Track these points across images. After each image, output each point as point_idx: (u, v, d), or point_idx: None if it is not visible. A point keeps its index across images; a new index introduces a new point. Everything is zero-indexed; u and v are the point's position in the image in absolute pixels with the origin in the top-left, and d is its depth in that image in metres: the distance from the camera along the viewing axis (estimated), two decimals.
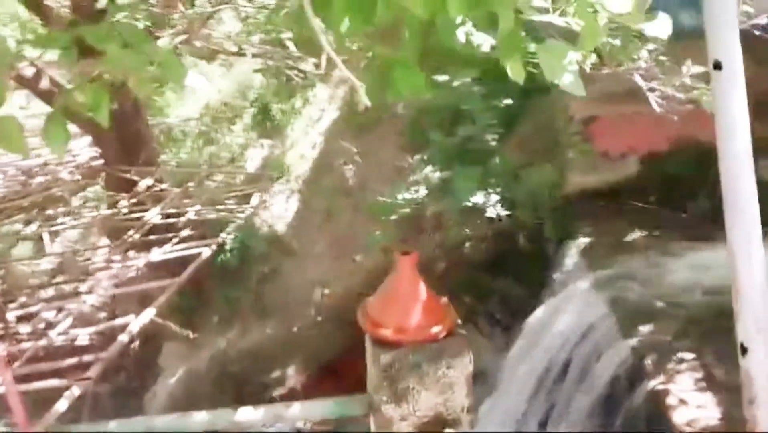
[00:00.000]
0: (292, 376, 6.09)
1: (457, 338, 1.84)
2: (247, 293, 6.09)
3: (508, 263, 5.52)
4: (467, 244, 5.80)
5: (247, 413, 1.85)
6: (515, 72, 1.26)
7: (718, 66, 1.63)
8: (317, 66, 4.09)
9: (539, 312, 4.36)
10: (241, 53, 4.65)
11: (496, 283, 5.55)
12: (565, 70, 1.17)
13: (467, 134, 5.50)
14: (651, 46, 2.84)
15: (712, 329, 3.64)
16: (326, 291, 6.30)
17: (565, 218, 5.32)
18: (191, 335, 4.13)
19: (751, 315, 1.67)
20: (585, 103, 5.50)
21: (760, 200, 4.73)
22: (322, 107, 7.17)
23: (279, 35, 4.42)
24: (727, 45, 1.60)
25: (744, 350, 1.69)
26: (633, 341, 3.68)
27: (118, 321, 2.71)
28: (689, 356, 3.44)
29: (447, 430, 1.70)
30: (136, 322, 2.53)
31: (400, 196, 5.28)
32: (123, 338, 2.42)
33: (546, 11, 1.24)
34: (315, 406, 1.98)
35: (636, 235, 4.83)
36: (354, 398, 1.89)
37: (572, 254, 4.87)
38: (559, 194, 5.46)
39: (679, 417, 3.07)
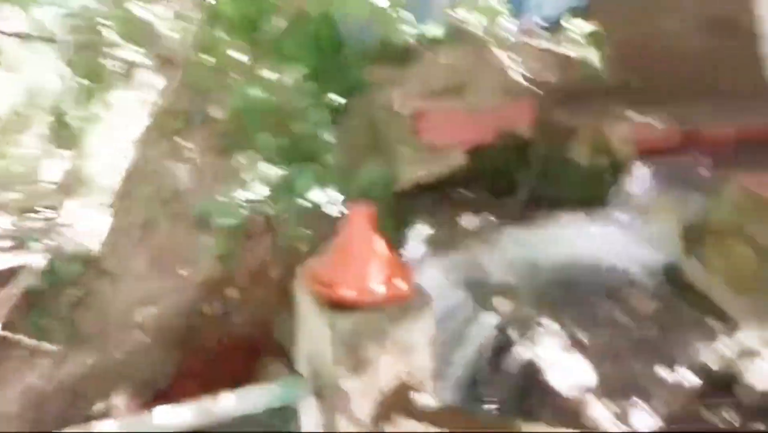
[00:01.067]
0: (120, 406, 5.48)
1: (421, 295, 1.71)
2: (60, 320, 5.38)
3: None
4: (304, 245, 5.66)
5: (164, 415, 1.56)
6: None
7: None
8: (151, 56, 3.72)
9: None
10: (47, 38, 4.08)
11: None
12: None
13: (299, 132, 5.37)
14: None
15: (562, 300, 3.91)
16: (150, 310, 5.78)
17: (400, 212, 5.39)
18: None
19: None
20: (410, 98, 5.66)
21: (575, 183, 5.14)
22: (128, 113, 6.60)
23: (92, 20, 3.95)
24: None
25: None
26: (492, 317, 3.80)
27: None
28: (550, 324, 3.62)
29: (414, 394, 1.56)
30: None
31: (236, 198, 5.00)
32: None
33: None
34: (253, 394, 1.72)
35: (470, 221, 5.04)
36: (298, 378, 1.67)
37: (412, 245, 4.96)
38: (392, 189, 5.54)
39: (556, 382, 3.20)
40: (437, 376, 3.83)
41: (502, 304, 3.90)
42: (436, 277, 4.43)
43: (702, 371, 2.78)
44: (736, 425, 2.37)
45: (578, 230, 4.63)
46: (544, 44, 2.77)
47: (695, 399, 2.66)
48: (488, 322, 3.77)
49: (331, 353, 1.57)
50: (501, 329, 3.68)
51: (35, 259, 3.04)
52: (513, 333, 3.60)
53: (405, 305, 1.68)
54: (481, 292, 4.07)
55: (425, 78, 5.73)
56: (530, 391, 3.25)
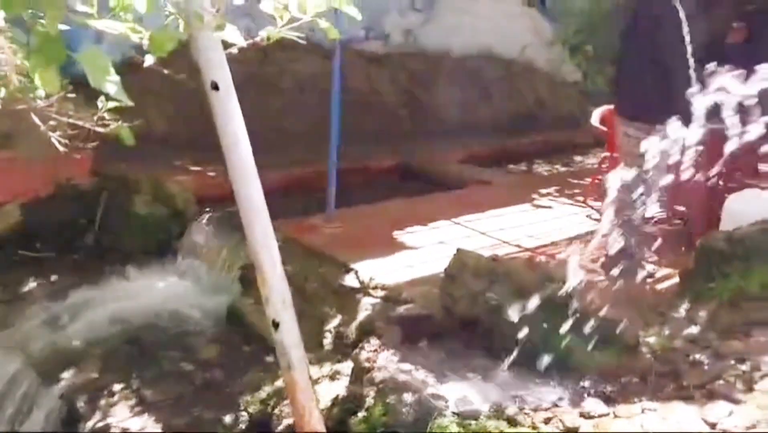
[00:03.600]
0: None
1: None
2: None
3: None
4: None
5: None
6: (47, 82, 1.24)
7: (215, 87, 1.84)
8: None
9: None
10: None
11: None
12: (108, 79, 1.24)
13: None
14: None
15: (131, 357, 3.98)
16: None
17: None
18: None
19: (277, 296, 1.98)
20: None
21: (138, 234, 5.20)
22: None
23: None
24: (219, 68, 1.82)
25: (276, 325, 1.99)
26: (59, 389, 3.69)
27: None
28: (118, 387, 3.67)
29: None
30: None
31: None
32: None
33: (91, 17, 1.25)
34: None
35: (32, 284, 4.76)
36: None
37: None
38: None
39: None
40: None
41: (70, 373, 3.81)
42: None
43: (250, 413, 3.18)
44: None
45: (144, 283, 4.77)
46: (72, 120, 2.84)
47: None
48: (53, 396, 3.65)
49: None
50: (68, 402, 3.60)
51: None
52: (81, 405, 3.55)
53: None
54: (46, 364, 3.90)
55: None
56: None
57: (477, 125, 7.13)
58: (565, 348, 2.41)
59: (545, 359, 2.37)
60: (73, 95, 3.26)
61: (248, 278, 4.55)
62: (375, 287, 4.00)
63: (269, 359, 3.98)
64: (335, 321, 3.92)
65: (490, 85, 7.56)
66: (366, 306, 3.82)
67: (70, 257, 5.15)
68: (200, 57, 1.79)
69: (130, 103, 1.43)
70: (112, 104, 2.96)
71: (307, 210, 5.18)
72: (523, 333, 2.45)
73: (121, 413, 3.48)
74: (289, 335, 1.98)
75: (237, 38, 1.63)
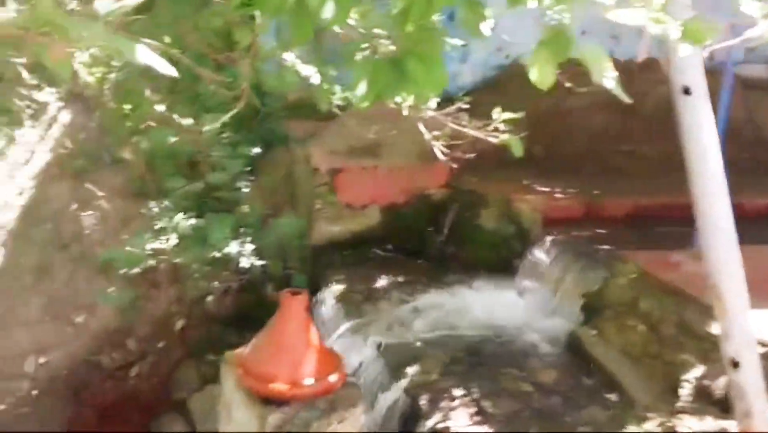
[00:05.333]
0: None
1: (350, 387, 1.71)
2: None
3: (257, 316, 5.38)
4: (211, 297, 5.54)
5: None
6: (545, 77, 1.23)
7: (687, 91, 1.69)
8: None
9: None
10: None
11: (245, 338, 5.36)
12: (607, 75, 1.21)
13: (216, 182, 5.30)
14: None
15: (470, 366, 3.99)
16: (42, 360, 5.46)
17: (314, 267, 5.39)
18: None
19: (739, 332, 1.75)
20: (329, 156, 5.72)
21: (482, 248, 5.25)
22: (31, 149, 6.30)
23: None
24: (694, 71, 1.68)
25: (735, 365, 1.76)
26: (403, 383, 3.83)
27: None
28: (458, 392, 3.68)
29: None
30: None
31: (149, 246, 4.84)
32: None
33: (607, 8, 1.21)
34: None
35: (384, 281, 5.09)
36: None
37: (327, 302, 4.95)
38: (307, 244, 5.54)
39: None
40: None
41: (414, 370, 3.94)
42: (346, 338, 4.44)
43: None
44: None
45: (487, 295, 4.78)
46: (468, 130, 2.91)
47: None
48: (399, 388, 3.79)
49: None
50: (411, 397, 3.70)
51: None
52: (423, 402, 3.63)
53: (335, 397, 1.68)
54: (393, 356, 4.10)
55: (344, 136, 5.83)
56: None
57: None
58: None
59: None
60: (467, 107, 3.38)
61: (592, 308, 4.29)
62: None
63: (611, 396, 3.70)
64: (696, 371, 3.46)
65: None
66: None
67: (418, 260, 5.41)
68: (674, 58, 1.61)
69: (629, 101, 1.33)
70: (506, 115, 3.01)
71: (662, 244, 4.72)
72: None
73: (460, 419, 3.47)
74: (750, 379, 1.68)
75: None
